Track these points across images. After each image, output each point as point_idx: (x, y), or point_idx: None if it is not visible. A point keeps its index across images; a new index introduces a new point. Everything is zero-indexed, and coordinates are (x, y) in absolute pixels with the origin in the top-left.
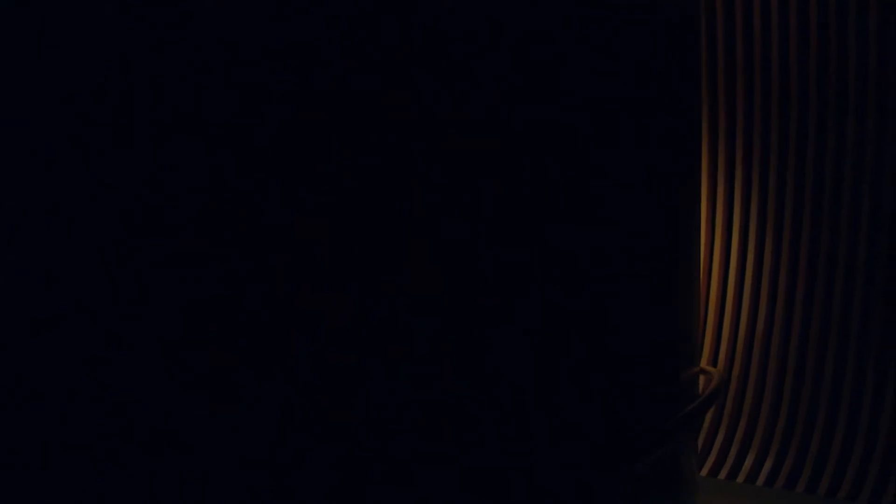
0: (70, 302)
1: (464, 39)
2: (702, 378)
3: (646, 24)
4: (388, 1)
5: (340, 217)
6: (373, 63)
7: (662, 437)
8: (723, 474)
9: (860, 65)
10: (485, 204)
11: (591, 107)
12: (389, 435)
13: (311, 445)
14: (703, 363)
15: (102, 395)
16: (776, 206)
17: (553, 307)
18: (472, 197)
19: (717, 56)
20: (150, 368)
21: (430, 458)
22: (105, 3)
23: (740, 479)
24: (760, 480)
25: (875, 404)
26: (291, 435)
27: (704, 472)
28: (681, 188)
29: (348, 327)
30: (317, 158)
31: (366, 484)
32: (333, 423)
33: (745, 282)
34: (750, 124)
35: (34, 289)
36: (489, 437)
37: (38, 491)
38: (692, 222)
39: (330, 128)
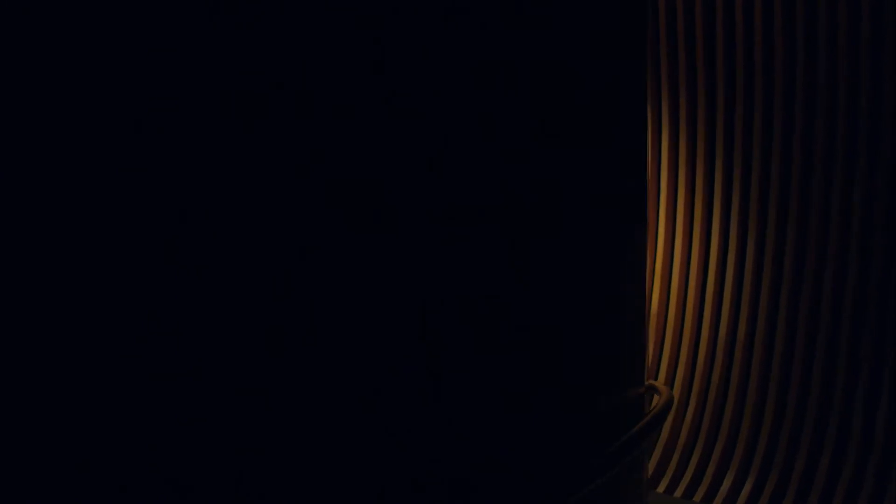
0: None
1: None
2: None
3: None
4: None
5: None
6: None
7: (605, 464)
8: (699, 496)
9: (851, 61)
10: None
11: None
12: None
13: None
14: (680, 375)
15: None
16: (760, 202)
17: (488, 328)
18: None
19: (678, 42)
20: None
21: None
22: None
23: (717, 500)
24: (741, 502)
25: (867, 418)
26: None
27: (679, 493)
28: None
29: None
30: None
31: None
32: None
33: (725, 288)
34: (711, 120)
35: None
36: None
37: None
38: (637, 231)
39: None
